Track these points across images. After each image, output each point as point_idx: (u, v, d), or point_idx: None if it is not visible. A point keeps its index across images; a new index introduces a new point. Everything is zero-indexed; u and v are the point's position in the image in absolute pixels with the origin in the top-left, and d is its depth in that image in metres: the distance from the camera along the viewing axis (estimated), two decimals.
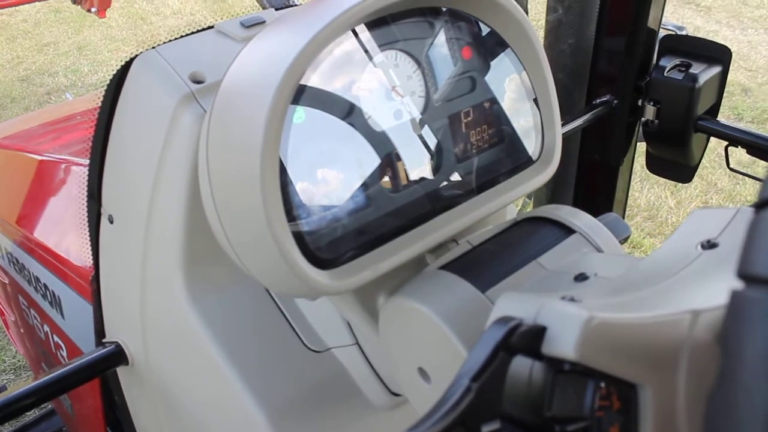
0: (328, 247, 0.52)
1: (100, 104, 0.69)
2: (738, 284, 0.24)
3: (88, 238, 0.79)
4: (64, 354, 1.16)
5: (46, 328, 1.20)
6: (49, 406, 1.59)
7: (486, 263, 0.54)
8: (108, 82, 0.68)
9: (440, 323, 0.49)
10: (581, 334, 0.33)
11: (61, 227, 1.19)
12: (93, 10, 3.40)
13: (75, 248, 1.11)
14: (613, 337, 0.34)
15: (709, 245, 0.44)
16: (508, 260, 0.54)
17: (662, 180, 3.23)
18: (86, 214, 0.78)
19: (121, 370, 0.85)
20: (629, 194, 1.50)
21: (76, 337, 1.11)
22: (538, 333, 0.34)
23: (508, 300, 0.38)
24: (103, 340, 0.81)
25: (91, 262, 0.80)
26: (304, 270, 0.50)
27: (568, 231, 0.57)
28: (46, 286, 1.15)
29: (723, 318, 0.24)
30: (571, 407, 0.34)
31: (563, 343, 0.34)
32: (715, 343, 0.35)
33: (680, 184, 3.25)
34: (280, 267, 0.50)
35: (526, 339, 0.34)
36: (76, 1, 3.48)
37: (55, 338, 1.17)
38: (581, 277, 0.48)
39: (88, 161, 0.74)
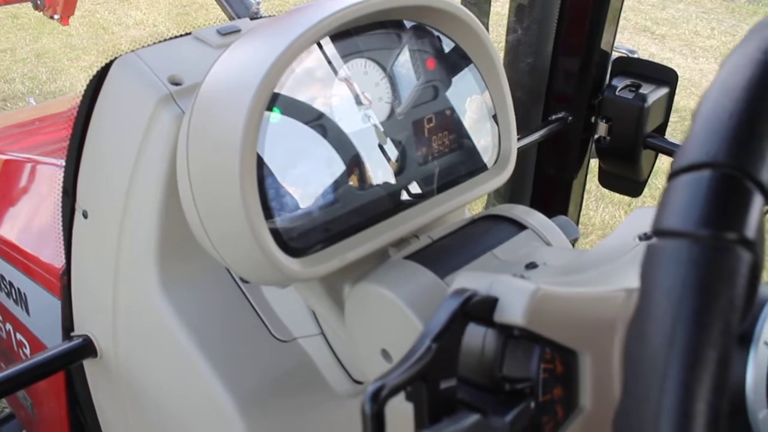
0: (300, 237, 0.56)
1: (78, 103, 0.72)
2: (653, 240, 0.29)
3: (60, 234, 0.81)
4: (28, 352, 1.17)
5: (8, 326, 1.20)
6: (7, 410, 1.58)
7: (445, 254, 0.59)
8: (87, 83, 0.71)
9: (403, 306, 0.53)
10: (528, 303, 0.38)
11: (27, 224, 1.20)
12: (56, 17, 3.37)
13: (42, 244, 1.12)
14: (556, 308, 0.39)
15: (646, 237, 0.49)
16: (465, 252, 0.59)
17: (616, 199, 3.33)
18: (59, 211, 0.80)
19: (88, 364, 0.87)
20: (584, 212, 1.56)
21: (42, 334, 1.12)
22: (491, 303, 0.39)
23: (465, 277, 0.42)
24: (72, 334, 0.83)
25: (62, 257, 0.82)
26: (278, 258, 0.54)
27: (521, 227, 0.62)
28: (11, 284, 1.15)
29: (641, 266, 0.29)
30: (519, 369, 0.38)
31: (513, 311, 0.38)
32: None
33: (633, 203, 3.36)
34: (256, 256, 0.54)
35: (480, 307, 0.38)
36: (38, 7, 3.45)
37: (18, 336, 1.18)
38: (532, 266, 0.53)
39: (55, 161, 0.76)
